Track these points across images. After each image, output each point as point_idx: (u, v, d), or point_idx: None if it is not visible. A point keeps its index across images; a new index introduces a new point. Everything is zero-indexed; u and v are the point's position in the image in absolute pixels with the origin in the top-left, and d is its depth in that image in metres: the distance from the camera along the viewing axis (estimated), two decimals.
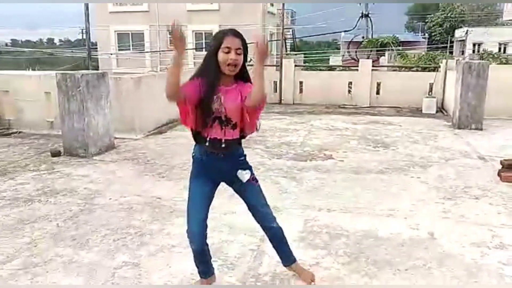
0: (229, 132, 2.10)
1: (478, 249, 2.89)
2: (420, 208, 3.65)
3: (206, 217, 2.19)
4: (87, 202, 3.75)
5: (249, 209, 2.32)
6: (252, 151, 5.47)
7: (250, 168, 2.24)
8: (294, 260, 2.48)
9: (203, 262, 2.32)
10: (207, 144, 2.10)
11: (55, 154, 5.23)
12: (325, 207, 3.63)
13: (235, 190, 2.29)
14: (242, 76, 2.10)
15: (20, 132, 6.64)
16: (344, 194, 3.97)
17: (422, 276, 2.58)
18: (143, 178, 4.47)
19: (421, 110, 9.26)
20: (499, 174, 4.45)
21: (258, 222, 2.35)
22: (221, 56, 2.00)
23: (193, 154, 2.19)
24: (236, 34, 2.04)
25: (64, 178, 4.44)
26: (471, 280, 2.55)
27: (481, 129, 7.05)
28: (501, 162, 4.57)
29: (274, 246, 2.45)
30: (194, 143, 2.21)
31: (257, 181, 2.27)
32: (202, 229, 2.17)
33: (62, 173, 4.59)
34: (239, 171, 2.17)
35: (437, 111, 9.22)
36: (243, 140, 2.24)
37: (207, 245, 2.25)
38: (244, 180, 2.19)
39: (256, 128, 2.17)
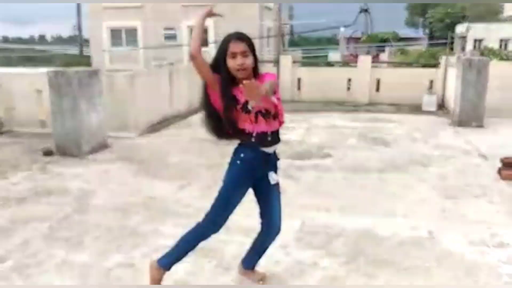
0: (273, 123, 2.14)
1: (478, 248, 2.87)
2: (420, 207, 3.62)
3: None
4: (80, 202, 3.71)
5: (266, 209, 2.31)
6: None
7: (277, 172, 2.28)
8: (253, 268, 2.50)
9: (187, 254, 2.34)
10: (253, 140, 2.11)
11: (47, 153, 5.18)
12: (324, 206, 3.59)
13: (257, 188, 2.27)
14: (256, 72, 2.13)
15: (12, 131, 6.58)
16: (343, 193, 3.94)
17: (421, 275, 2.55)
18: (137, 177, 4.42)
19: (421, 107, 9.21)
20: (499, 172, 4.41)
21: (265, 225, 2.34)
22: (230, 63, 2.05)
23: (242, 156, 2.15)
24: (239, 37, 2.08)
25: (56, 177, 4.39)
26: (470, 279, 2.52)
27: (482, 127, 7.01)
28: (501, 160, 4.52)
29: (254, 247, 2.45)
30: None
31: (279, 187, 2.30)
32: (224, 225, 2.28)
33: (55, 173, 4.55)
34: (271, 172, 2.22)
35: (437, 109, 9.17)
36: None
37: None
38: (272, 183, 2.23)
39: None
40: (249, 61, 2.05)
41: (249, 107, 2.06)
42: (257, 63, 2.13)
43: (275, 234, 2.35)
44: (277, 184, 2.25)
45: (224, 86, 2.07)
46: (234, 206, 2.23)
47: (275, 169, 2.25)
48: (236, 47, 2.02)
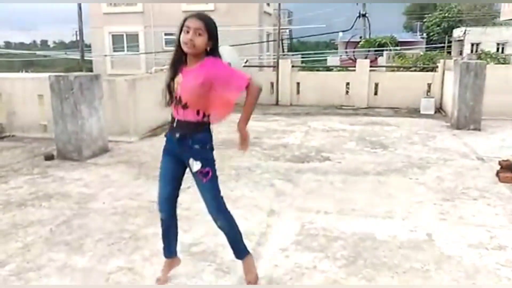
0: (180, 111, 2.18)
1: (476, 251, 2.88)
2: (418, 210, 3.63)
3: (173, 191, 2.36)
4: (80, 206, 3.71)
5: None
6: (249, 153, 5.43)
7: (204, 160, 2.21)
8: (242, 258, 2.44)
9: (166, 237, 2.46)
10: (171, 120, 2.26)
11: (48, 157, 5.17)
12: (322, 210, 3.59)
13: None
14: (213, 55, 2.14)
15: (13, 136, 6.58)
16: (342, 196, 3.94)
17: (420, 278, 2.56)
18: (137, 181, 4.42)
19: (419, 111, 9.24)
20: (497, 175, 4.43)
21: None
22: (181, 36, 2.09)
23: (166, 133, 2.34)
24: (199, 16, 2.11)
25: (57, 182, 4.39)
26: (469, 281, 2.53)
27: (480, 130, 7.03)
28: (499, 163, 4.55)
29: None
30: None
31: (206, 176, 2.22)
32: (166, 199, 2.36)
33: (56, 177, 4.54)
34: (191, 159, 2.20)
35: (435, 112, 9.20)
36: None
37: (174, 223, 2.43)
38: (193, 170, 2.23)
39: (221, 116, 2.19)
40: (200, 40, 2.06)
41: (174, 88, 2.16)
42: (215, 48, 2.13)
43: (213, 217, 2.32)
44: (200, 173, 2.20)
45: (173, 60, 2.16)
46: (161, 181, 2.35)
47: (195, 157, 2.19)
48: (192, 22, 2.06)
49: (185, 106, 2.15)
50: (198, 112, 2.15)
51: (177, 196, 2.40)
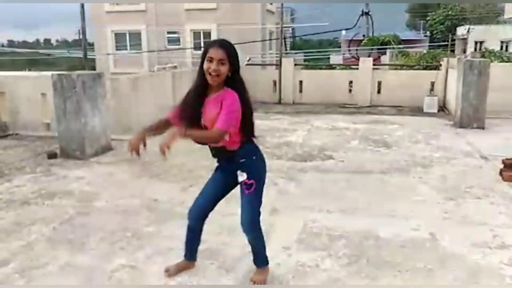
0: None
1: (480, 250, 2.87)
2: (421, 209, 3.62)
3: (210, 205, 2.39)
4: (83, 204, 3.72)
5: None
6: None
7: (250, 171, 2.27)
8: (259, 267, 2.51)
9: (189, 242, 2.52)
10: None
11: (51, 156, 5.19)
12: (325, 208, 3.59)
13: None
14: (233, 85, 2.14)
15: (16, 134, 6.61)
16: (345, 195, 3.94)
17: (423, 277, 2.56)
18: (140, 180, 4.43)
19: (423, 109, 9.22)
20: (501, 174, 4.41)
21: None
22: (205, 65, 2.09)
23: None
24: (221, 45, 2.10)
25: (60, 180, 4.41)
26: (472, 281, 2.52)
27: (483, 128, 7.01)
28: (503, 161, 4.52)
29: None
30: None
31: (249, 188, 2.27)
32: (199, 210, 2.41)
33: (59, 175, 4.56)
34: (238, 171, 2.28)
35: (438, 110, 9.17)
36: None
37: (201, 231, 2.47)
38: (239, 180, 2.29)
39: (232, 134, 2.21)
40: (224, 69, 2.07)
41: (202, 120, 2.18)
42: (235, 74, 2.12)
43: (243, 230, 2.35)
44: (245, 184, 2.27)
45: (196, 86, 2.16)
46: (203, 192, 2.41)
47: (242, 169, 2.26)
48: (215, 53, 2.06)
49: None
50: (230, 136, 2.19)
51: (212, 209, 2.42)
